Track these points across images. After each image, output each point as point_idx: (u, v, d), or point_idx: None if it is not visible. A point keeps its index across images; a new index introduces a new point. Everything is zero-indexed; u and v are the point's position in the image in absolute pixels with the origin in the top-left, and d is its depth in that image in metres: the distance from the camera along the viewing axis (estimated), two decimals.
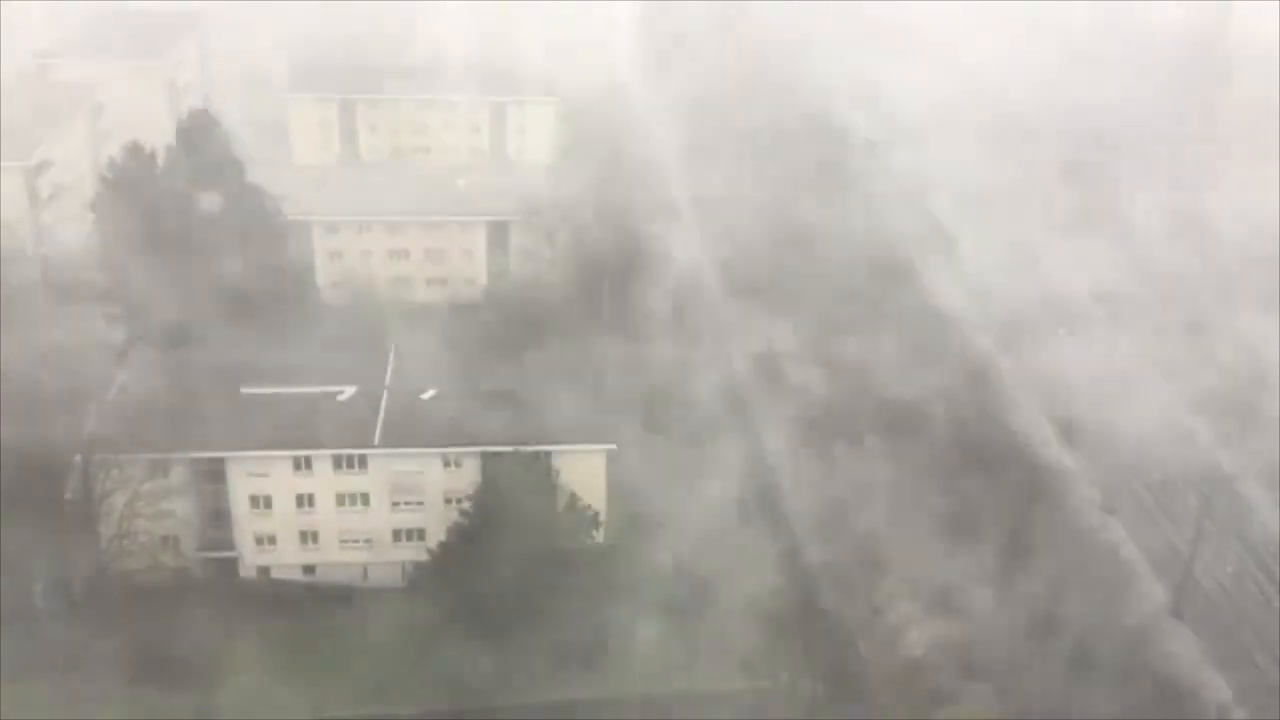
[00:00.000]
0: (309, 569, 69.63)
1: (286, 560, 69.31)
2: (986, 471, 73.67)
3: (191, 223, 77.59)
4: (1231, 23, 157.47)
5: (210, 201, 79.12)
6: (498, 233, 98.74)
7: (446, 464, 68.11)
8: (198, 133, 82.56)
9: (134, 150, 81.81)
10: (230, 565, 68.94)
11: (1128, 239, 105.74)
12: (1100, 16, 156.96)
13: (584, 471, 67.22)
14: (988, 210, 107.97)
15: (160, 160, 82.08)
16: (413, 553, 68.06)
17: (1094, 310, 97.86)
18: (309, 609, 66.30)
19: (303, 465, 67.48)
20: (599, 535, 66.87)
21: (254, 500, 67.92)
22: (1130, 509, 78.09)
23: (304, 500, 68.17)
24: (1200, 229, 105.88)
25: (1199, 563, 70.69)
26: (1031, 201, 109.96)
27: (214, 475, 67.23)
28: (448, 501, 67.56)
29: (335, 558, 69.34)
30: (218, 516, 68.10)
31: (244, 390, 69.65)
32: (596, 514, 66.44)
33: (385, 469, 67.87)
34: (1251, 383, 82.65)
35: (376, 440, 67.48)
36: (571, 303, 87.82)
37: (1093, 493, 79.13)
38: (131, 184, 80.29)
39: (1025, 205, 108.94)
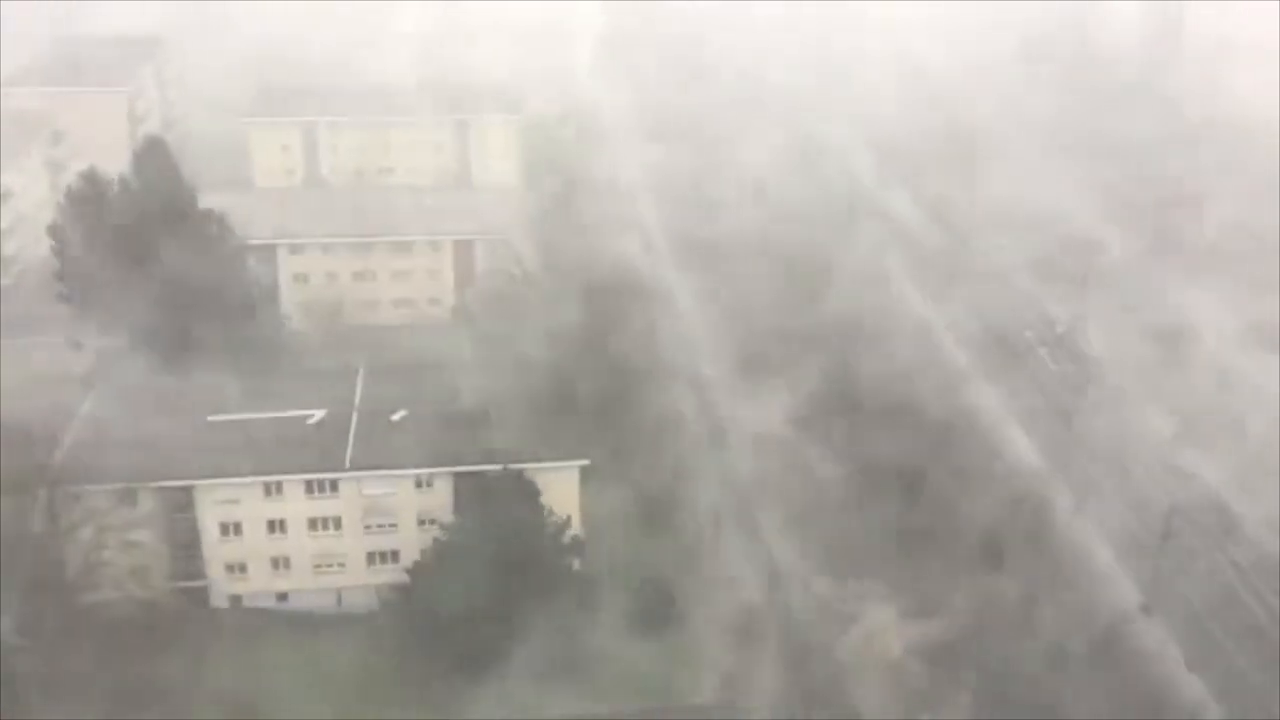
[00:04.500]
0: (282, 596, 68.83)
1: (258, 588, 68.46)
2: None
3: (150, 250, 76.68)
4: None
5: (167, 228, 78.24)
6: (464, 252, 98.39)
7: (419, 485, 67.57)
8: (152, 159, 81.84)
9: (89, 178, 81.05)
10: (201, 595, 68.00)
11: None
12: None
13: (558, 487, 66.82)
14: None
15: (116, 187, 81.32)
16: (387, 575, 67.39)
17: None
18: (280, 637, 65.36)
19: (273, 491, 66.74)
20: (575, 552, 66.34)
21: (224, 528, 67.08)
22: None
23: (275, 526, 67.37)
24: None
25: None
26: None
27: (182, 504, 66.30)
28: (421, 523, 67.05)
29: (308, 584, 68.55)
30: (187, 546, 67.10)
31: (211, 417, 68.90)
32: (571, 529, 65.99)
33: (357, 492, 67.25)
34: None
35: (347, 463, 66.87)
36: (540, 319, 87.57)
37: None
38: (87, 212, 79.47)
39: None
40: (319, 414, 69.68)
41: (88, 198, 79.89)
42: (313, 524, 67.57)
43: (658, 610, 64.77)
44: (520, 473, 64.78)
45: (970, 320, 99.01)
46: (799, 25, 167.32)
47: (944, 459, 76.21)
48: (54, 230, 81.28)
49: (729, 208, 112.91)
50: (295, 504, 67.05)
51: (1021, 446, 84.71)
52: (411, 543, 66.64)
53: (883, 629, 62.68)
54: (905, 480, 72.12)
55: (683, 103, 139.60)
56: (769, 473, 79.29)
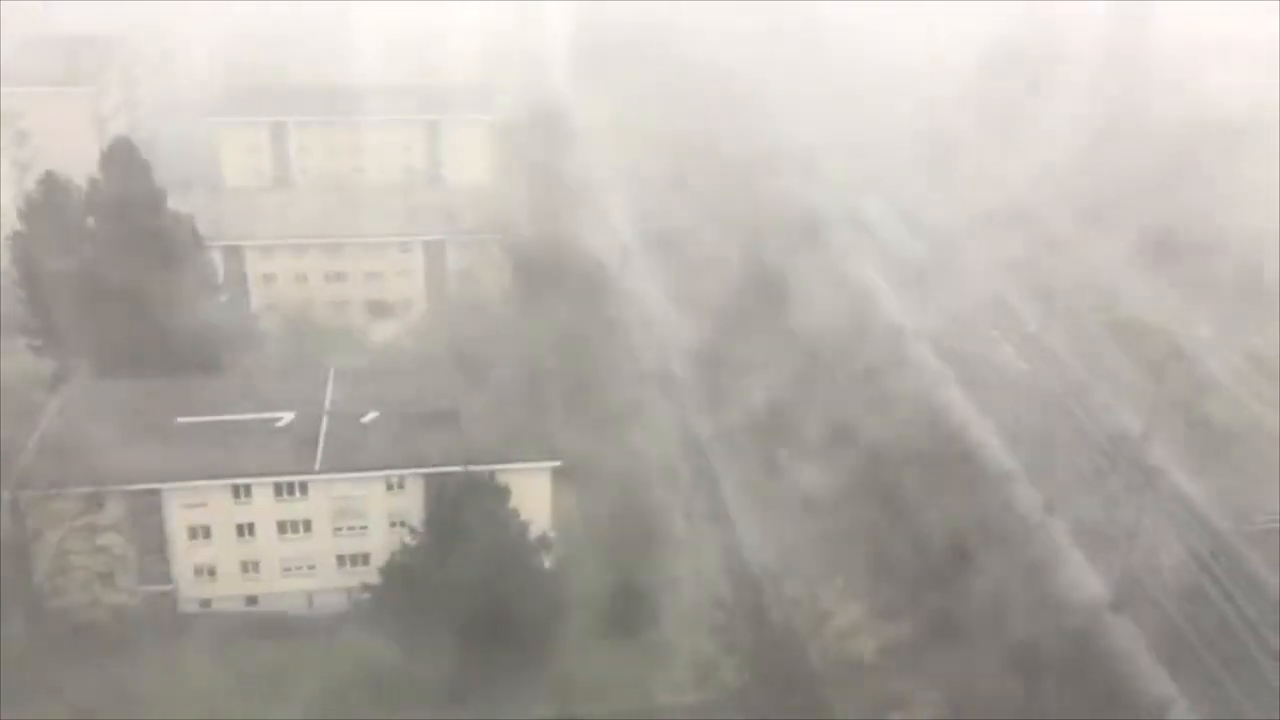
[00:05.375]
0: (251, 599, 68.38)
1: (227, 592, 67.98)
2: None
3: (115, 251, 75.95)
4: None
5: (134, 229, 77.49)
6: (435, 252, 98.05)
7: (389, 487, 67.24)
8: (120, 160, 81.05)
9: (50, 180, 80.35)
10: (169, 599, 67.46)
11: None
12: None
13: (529, 489, 66.70)
14: None
15: (81, 188, 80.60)
16: (358, 578, 66.99)
17: None
18: (249, 641, 64.85)
19: (242, 494, 66.24)
20: (547, 553, 66.21)
21: (192, 531, 66.54)
22: None
23: (244, 529, 66.90)
24: None
25: None
26: None
27: (150, 507, 65.72)
28: (392, 525, 66.75)
29: (278, 587, 68.13)
30: (155, 549, 66.52)
31: (179, 420, 68.32)
32: (542, 530, 65.85)
33: (327, 494, 66.86)
34: None
35: (317, 465, 66.44)
36: (512, 320, 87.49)
37: None
38: (49, 214, 78.69)
39: None
40: (288, 416, 69.20)
41: (47, 202, 79.05)
42: (282, 527, 67.12)
43: (630, 610, 64.72)
44: (491, 474, 64.63)
45: None
46: (769, 28, 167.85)
47: None
48: (15, 238, 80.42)
49: (702, 207, 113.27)
50: (264, 507, 66.60)
51: None
52: (382, 545, 66.28)
53: (853, 628, 62.84)
54: None
55: (657, 104, 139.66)
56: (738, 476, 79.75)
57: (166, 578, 67.19)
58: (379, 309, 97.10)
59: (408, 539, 64.12)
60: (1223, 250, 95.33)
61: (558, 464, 68.16)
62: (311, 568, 68.15)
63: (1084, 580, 70.92)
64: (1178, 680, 63.99)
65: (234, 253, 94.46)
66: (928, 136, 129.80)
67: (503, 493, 63.41)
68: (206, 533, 66.70)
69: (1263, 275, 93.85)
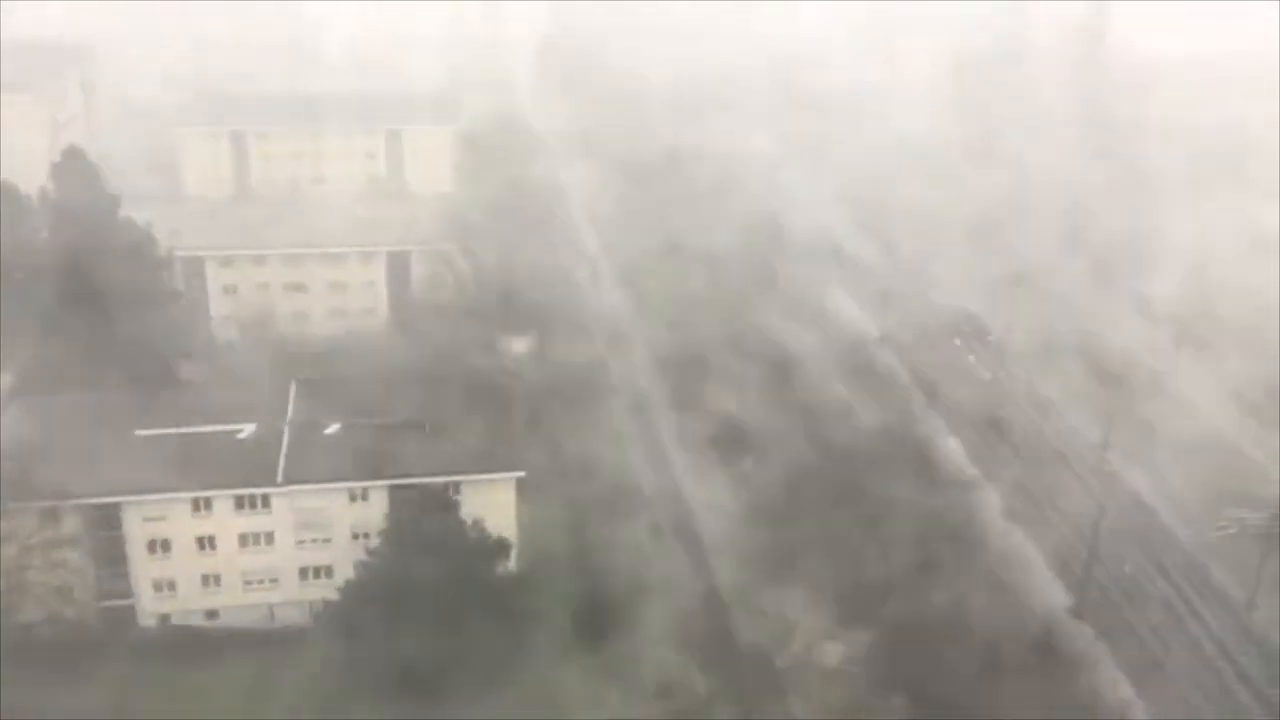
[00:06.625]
0: (212, 613, 67.71)
1: (187, 605, 67.28)
2: None
3: (68, 262, 75.04)
4: None
5: (86, 239, 76.58)
6: (399, 262, 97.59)
7: (353, 498, 66.82)
8: (72, 169, 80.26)
9: (3, 190, 79.42)
10: (128, 613, 66.68)
11: None
12: None
13: (493, 499, 66.49)
14: None
15: (33, 198, 79.73)
16: (320, 590, 66.53)
17: None
18: (208, 656, 64.11)
19: (202, 507, 65.61)
20: (510, 563, 66.02)
21: (152, 545, 65.82)
22: None
23: (204, 543, 66.24)
24: None
25: None
26: None
27: (109, 521, 64.98)
28: (355, 536, 66.31)
29: (239, 600, 67.49)
30: (114, 563, 65.80)
31: (138, 432, 67.58)
32: (507, 542, 65.61)
33: (289, 506, 66.32)
34: None
35: (279, 478, 65.88)
36: (475, 329, 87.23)
37: None
38: (4, 224, 77.83)
39: None
40: (249, 428, 68.56)
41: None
42: (243, 540, 66.51)
43: (591, 620, 64.60)
44: (455, 485, 64.29)
45: None
46: (738, 36, 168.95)
47: None
48: None
49: (661, 214, 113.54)
50: (225, 520, 65.99)
51: None
52: (345, 556, 65.82)
53: (817, 637, 63.05)
54: None
55: (617, 113, 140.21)
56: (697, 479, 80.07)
57: (126, 592, 66.41)
58: (342, 319, 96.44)
59: (363, 559, 63.60)
60: None
61: (521, 474, 67.92)
62: (273, 580, 67.60)
63: None
64: None
65: (194, 263, 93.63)
66: None
67: (454, 504, 63.05)
68: (166, 546, 65.99)
69: None
